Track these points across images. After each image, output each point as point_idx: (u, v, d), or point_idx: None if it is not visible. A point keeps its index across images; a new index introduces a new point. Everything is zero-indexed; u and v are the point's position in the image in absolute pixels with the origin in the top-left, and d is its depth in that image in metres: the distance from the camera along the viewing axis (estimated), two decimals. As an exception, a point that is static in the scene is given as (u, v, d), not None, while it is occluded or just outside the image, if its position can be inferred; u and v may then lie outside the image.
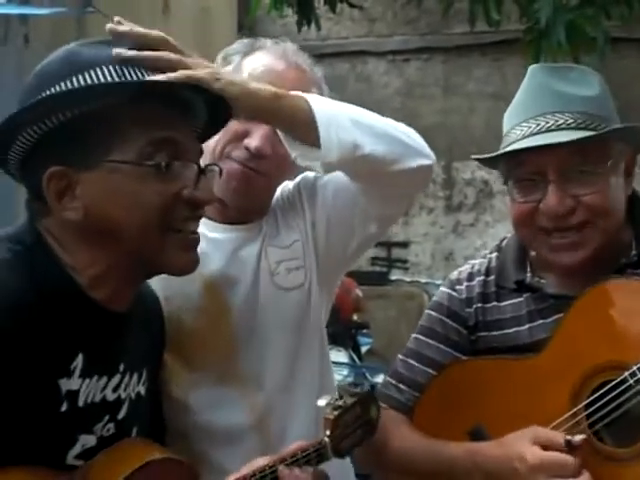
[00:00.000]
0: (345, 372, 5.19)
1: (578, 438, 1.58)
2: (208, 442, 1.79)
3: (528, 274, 1.77)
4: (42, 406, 1.37)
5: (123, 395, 1.50)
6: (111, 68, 1.42)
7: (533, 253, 1.77)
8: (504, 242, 1.85)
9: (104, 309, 1.44)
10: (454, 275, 1.86)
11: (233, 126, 1.79)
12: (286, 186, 1.99)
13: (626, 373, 1.58)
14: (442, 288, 1.88)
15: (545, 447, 1.61)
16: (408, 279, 7.34)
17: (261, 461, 1.51)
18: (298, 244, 1.91)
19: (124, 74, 1.42)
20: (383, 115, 1.81)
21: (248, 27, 6.83)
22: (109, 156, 1.39)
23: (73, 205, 1.40)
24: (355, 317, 5.86)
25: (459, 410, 1.77)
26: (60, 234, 1.44)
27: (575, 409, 1.62)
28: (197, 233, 1.49)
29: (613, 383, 1.59)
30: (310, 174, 1.99)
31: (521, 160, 1.70)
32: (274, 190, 1.92)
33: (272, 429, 1.83)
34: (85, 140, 1.40)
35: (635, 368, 1.57)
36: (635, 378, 1.58)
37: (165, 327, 1.72)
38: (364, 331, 6.05)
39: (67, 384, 1.40)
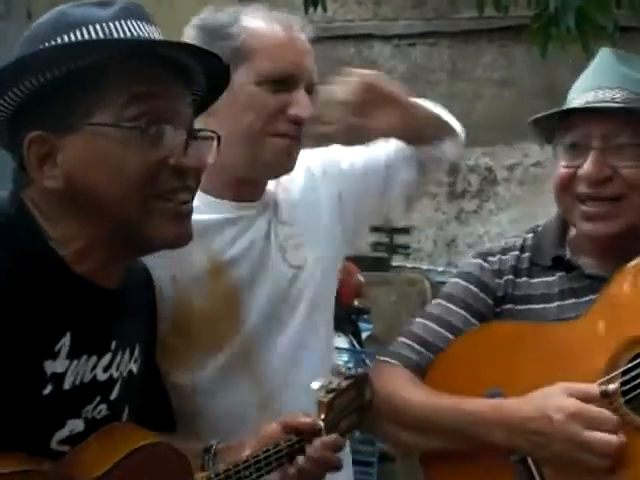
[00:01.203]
0: (345, 357, 5.17)
1: (613, 386, 1.56)
2: (215, 423, 1.77)
3: (567, 251, 1.78)
4: (23, 388, 1.31)
5: (115, 374, 1.44)
6: (97, 27, 1.36)
7: (572, 233, 1.79)
8: (540, 226, 1.87)
9: (92, 285, 1.38)
10: (486, 247, 1.87)
11: (268, 101, 1.75)
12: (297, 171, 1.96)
13: None
14: (472, 259, 1.87)
15: (580, 400, 1.59)
16: (410, 265, 7.32)
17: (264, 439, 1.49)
18: (300, 221, 1.89)
19: (111, 33, 1.36)
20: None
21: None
22: (91, 118, 1.32)
23: (54, 173, 1.34)
24: (356, 302, 5.84)
25: (477, 373, 1.74)
26: (43, 204, 1.38)
27: (609, 376, 1.60)
28: (189, 204, 1.41)
29: None
30: (327, 151, 1.97)
31: (571, 125, 1.74)
32: None
33: (277, 408, 1.81)
34: (66, 102, 1.34)
35: None
36: None
37: (156, 298, 1.65)
38: (365, 317, 6.04)
39: (52, 366, 1.35)
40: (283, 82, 1.77)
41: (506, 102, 6.32)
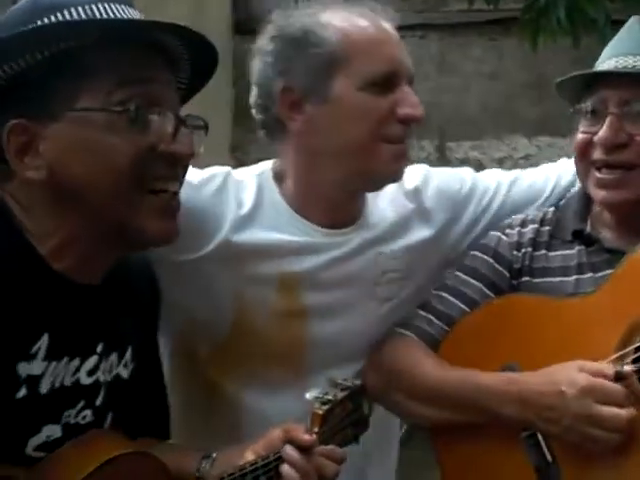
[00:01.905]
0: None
1: (628, 368, 1.56)
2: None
3: (588, 226, 1.78)
4: None
5: (102, 378, 1.38)
6: (80, 9, 1.29)
7: (595, 208, 1.78)
8: (563, 200, 1.87)
9: (72, 282, 1.31)
10: (506, 221, 1.86)
11: (375, 105, 1.65)
12: (397, 196, 1.85)
13: None
14: (492, 232, 1.86)
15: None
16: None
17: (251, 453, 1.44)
18: (407, 256, 1.81)
19: (94, 14, 1.29)
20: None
21: (243, 1, 6.73)
22: (75, 104, 1.26)
23: (36, 163, 1.27)
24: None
25: (492, 347, 1.75)
26: (22, 197, 1.31)
27: (623, 351, 1.60)
28: (177, 196, 1.35)
29: None
30: (481, 184, 1.90)
31: (591, 90, 1.77)
32: None
33: None
34: (48, 88, 1.27)
35: None
36: None
37: (159, 301, 1.59)
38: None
39: (27, 368, 1.28)
40: (386, 82, 1.67)
41: (495, 95, 6.29)
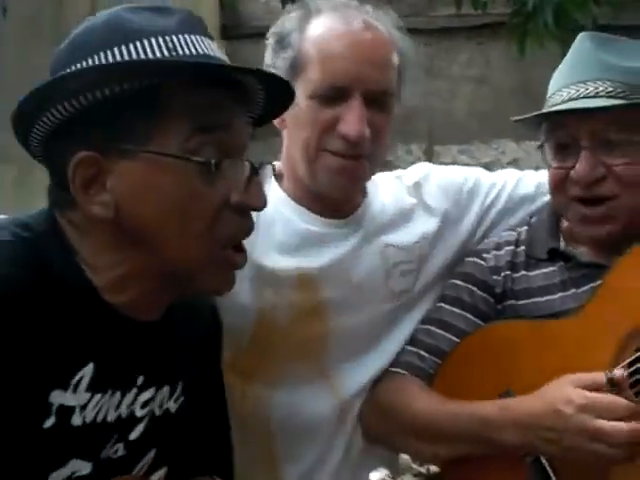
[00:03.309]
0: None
1: (618, 372, 1.54)
2: (289, 435, 1.74)
3: (562, 242, 1.76)
4: (22, 418, 1.18)
5: (139, 413, 1.31)
6: (160, 40, 1.20)
7: (566, 224, 1.77)
8: (533, 218, 1.85)
9: (124, 316, 1.25)
10: (480, 246, 1.85)
11: (318, 115, 1.66)
12: (398, 191, 1.86)
13: None
14: (467, 258, 1.85)
15: (588, 390, 1.57)
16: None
17: None
18: (416, 247, 1.81)
19: (175, 48, 1.20)
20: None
21: (230, 4, 6.72)
22: (149, 145, 1.19)
23: (102, 199, 1.21)
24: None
25: (485, 375, 1.74)
26: (84, 229, 1.25)
27: (618, 367, 1.58)
28: (243, 251, 1.29)
29: None
30: (485, 179, 1.92)
31: (557, 124, 1.70)
32: (376, 168, 1.78)
33: (354, 424, 1.77)
34: (122, 124, 1.20)
35: None
36: None
37: (221, 331, 1.54)
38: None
39: (62, 398, 1.21)
40: (334, 95, 1.67)
41: (483, 100, 6.31)
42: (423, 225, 1.85)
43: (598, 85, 1.68)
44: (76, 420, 1.24)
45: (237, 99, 1.28)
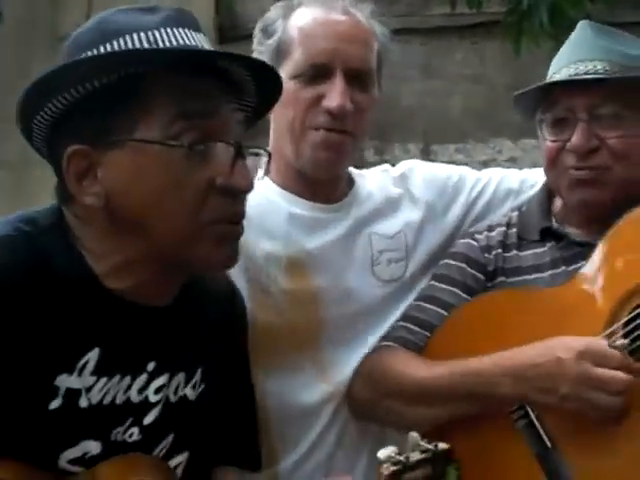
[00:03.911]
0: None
1: (620, 342, 1.56)
2: (284, 422, 1.78)
3: (554, 223, 1.80)
4: (29, 399, 1.25)
5: (153, 398, 1.35)
6: (142, 35, 1.27)
7: (558, 204, 1.81)
8: (523, 207, 1.89)
9: (128, 302, 1.31)
10: (472, 228, 1.88)
11: (302, 94, 1.72)
12: (385, 181, 1.89)
13: None
14: (460, 240, 1.88)
15: None
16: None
17: None
18: (401, 235, 1.85)
19: (156, 41, 1.27)
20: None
21: (226, 5, 6.73)
22: (134, 134, 1.25)
23: (93, 190, 1.28)
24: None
25: (476, 345, 1.76)
26: (83, 219, 1.32)
27: (611, 329, 1.60)
28: (238, 224, 1.33)
29: None
30: (470, 174, 1.97)
31: (555, 99, 1.77)
32: (359, 148, 1.80)
33: (347, 410, 1.80)
34: (109, 115, 1.27)
35: None
36: None
37: (243, 320, 1.58)
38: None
39: (67, 381, 1.27)
40: (316, 73, 1.72)
41: (478, 98, 6.32)
42: (408, 214, 1.90)
43: (596, 64, 1.76)
44: (83, 402, 1.29)
45: (222, 86, 1.32)
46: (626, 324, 1.61)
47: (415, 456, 1.32)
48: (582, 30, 1.85)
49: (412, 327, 1.86)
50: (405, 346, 1.85)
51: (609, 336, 1.62)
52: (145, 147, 1.26)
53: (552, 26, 3.96)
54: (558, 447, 1.62)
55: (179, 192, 1.27)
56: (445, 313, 1.85)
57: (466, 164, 8.19)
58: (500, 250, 1.85)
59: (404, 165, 1.99)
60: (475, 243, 1.88)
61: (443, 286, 1.87)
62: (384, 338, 1.86)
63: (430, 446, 1.33)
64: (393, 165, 2.13)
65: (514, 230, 1.87)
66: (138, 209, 1.28)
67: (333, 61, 1.74)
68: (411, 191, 1.92)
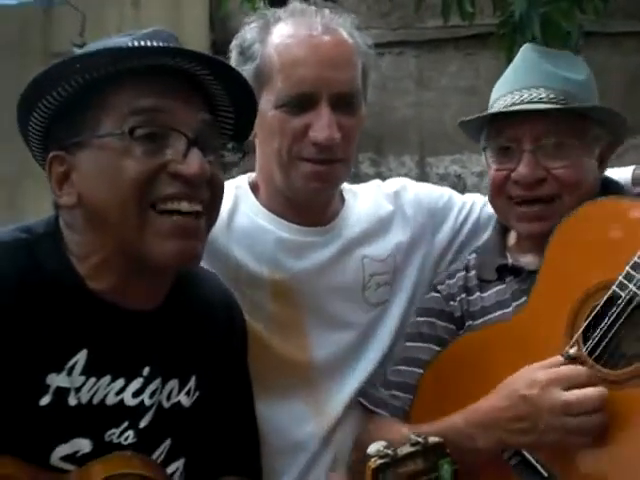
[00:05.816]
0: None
1: (573, 350, 1.55)
2: (274, 450, 1.73)
3: (509, 259, 1.78)
4: (19, 396, 1.30)
5: (148, 402, 1.39)
6: (105, 51, 1.35)
7: (512, 237, 1.81)
8: (479, 246, 1.89)
9: (111, 305, 1.35)
10: (434, 280, 1.88)
11: (287, 125, 1.67)
12: (377, 197, 1.87)
13: (613, 287, 1.57)
14: (425, 296, 1.88)
15: None
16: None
17: None
18: (391, 259, 1.83)
19: (120, 50, 1.35)
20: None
21: (220, 21, 6.74)
22: (97, 132, 1.33)
23: (69, 190, 1.35)
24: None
25: (458, 395, 1.74)
26: (70, 223, 1.38)
27: (573, 339, 1.60)
28: (196, 218, 1.36)
29: (603, 300, 1.58)
30: (456, 198, 1.97)
31: (500, 128, 1.76)
32: (350, 168, 1.79)
33: (339, 440, 1.77)
34: (77, 119, 1.34)
35: (620, 278, 1.56)
36: (625, 289, 1.56)
37: (241, 329, 1.61)
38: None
39: (57, 380, 1.32)
40: (300, 103, 1.67)
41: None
42: (399, 235, 1.88)
43: (541, 92, 1.73)
44: (72, 401, 1.34)
45: (178, 85, 1.37)
46: (585, 332, 1.62)
47: (404, 449, 1.28)
48: (526, 54, 1.84)
49: (395, 393, 1.85)
50: (394, 414, 1.84)
51: (570, 348, 1.61)
52: (104, 143, 1.32)
53: (544, 37, 3.97)
54: (554, 474, 1.61)
55: (127, 178, 1.32)
56: (420, 371, 1.84)
57: (461, 175, 8.25)
58: (464, 295, 1.85)
59: (397, 182, 1.97)
60: (438, 295, 1.88)
61: (417, 344, 1.86)
62: (374, 401, 1.85)
63: (420, 439, 1.29)
64: (388, 177, 2.12)
65: (473, 273, 1.87)
66: (102, 204, 1.33)
67: (318, 89, 1.67)
68: (403, 209, 1.90)
